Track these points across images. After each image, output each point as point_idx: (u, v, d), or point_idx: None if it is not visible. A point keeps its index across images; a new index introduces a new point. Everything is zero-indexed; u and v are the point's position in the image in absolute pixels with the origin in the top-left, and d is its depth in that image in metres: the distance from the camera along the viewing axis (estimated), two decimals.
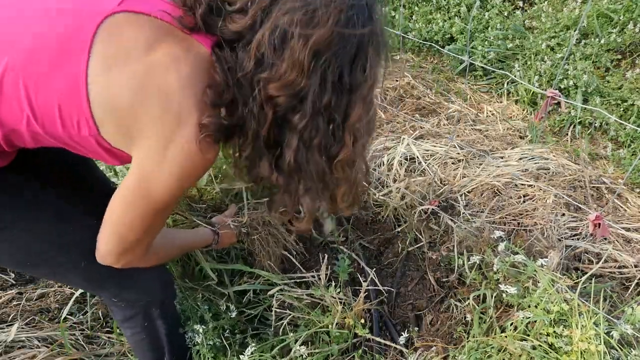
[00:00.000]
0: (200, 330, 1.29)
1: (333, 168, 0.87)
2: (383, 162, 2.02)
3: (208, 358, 1.30)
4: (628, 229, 1.67)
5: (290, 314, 1.41)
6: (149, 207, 0.87)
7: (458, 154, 2.05)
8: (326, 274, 1.48)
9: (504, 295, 1.27)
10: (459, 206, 1.80)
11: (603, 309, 1.19)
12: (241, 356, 1.24)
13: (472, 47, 2.82)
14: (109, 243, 0.91)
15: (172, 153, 0.80)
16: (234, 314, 1.39)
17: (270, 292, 1.45)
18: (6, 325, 1.51)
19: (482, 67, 2.58)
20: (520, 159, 2.02)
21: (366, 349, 1.43)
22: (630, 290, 1.48)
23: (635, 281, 1.48)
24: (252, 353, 1.25)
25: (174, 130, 0.78)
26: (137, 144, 0.81)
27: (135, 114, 0.77)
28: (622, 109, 2.36)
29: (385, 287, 1.57)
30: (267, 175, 0.88)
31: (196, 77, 0.79)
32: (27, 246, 0.92)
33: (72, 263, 0.98)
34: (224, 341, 1.35)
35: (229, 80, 0.79)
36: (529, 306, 1.22)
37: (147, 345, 1.24)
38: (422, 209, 1.76)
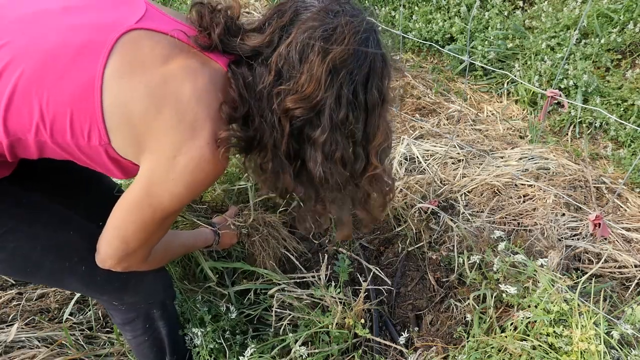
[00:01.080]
0: (199, 333, 1.29)
1: (359, 182, 0.93)
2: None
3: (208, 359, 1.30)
4: (628, 229, 1.67)
5: (290, 314, 1.41)
6: (155, 214, 0.87)
7: (458, 153, 2.05)
8: (326, 274, 1.48)
9: (504, 295, 1.27)
10: (459, 206, 1.80)
11: (603, 309, 1.19)
12: (241, 357, 1.24)
13: (472, 47, 2.82)
14: (110, 247, 0.91)
15: (182, 162, 0.81)
16: (234, 315, 1.39)
17: (270, 292, 1.45)
18: (6, 325, 1.51)
19: (482, 67, 2.58)
20: (520, 158, 2.02)
21: (366, 349, 1.43)
22: (630, 290, 1.48)
23: (635, 281, 1.48)
24: (251, 354, 1.25)
25: (187, 140, 0.80)
26: (148, 152, 0.82)
27: (148, 121, 0.79)
28: (622, 109, 2.36)
29: (385, 287, 1.57)
30: (291, 188, 0.92)
31: (211, 90, 0.81)
32: (27, 252, 0.92)
33: (71, 268, 0.98)
34: (224, 342, 1.35)
35: (244, 95, 0.83)
36: (529, 306, 1.22)
37: (149, 347, 1.23)
38: (422, 209, 1.76)
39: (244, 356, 1.24)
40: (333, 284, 1.42)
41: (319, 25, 0.79)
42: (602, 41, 2.58)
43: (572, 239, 1.62)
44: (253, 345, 1.28)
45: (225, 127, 0.83)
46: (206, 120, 0.80)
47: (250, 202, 1.54)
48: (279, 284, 1.47)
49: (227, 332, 1.38)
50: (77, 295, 1.57)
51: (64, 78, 0.76)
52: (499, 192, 1.86)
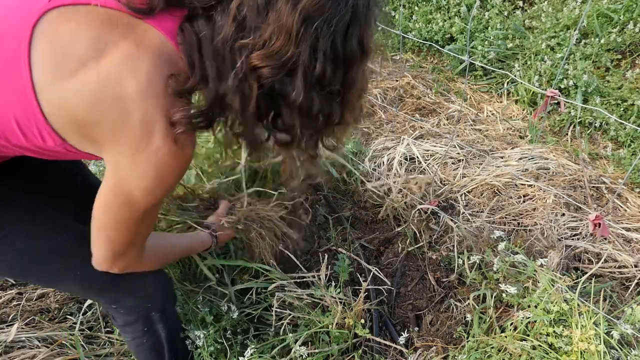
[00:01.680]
0: (201, 335, 1.29)
1: (330, 130, 0.84)
2: (383, 162, 2.02)
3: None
4: (628, 229, 1.67)
5: (290, 314, 1.41)
6: (131, 212, 0.82)
7: (458, 154, 2.05)
8: (326, 274, 1.48)
9: (503, 295, 1.27)
10: (459, 206, 1.80)
11: (603, 309, 1.19)
12: (241, 358, 1.24)
13: (472, 47, 2.82)
14: (99, 250, 0.88)
15: (143, 159, 0.74)
16: (235, 315, 1.38)
17: (269, 288, 1.45)
18: (6, 325, 1.51)
19: (482, 67, 2.58)
20: (520, 158, 2.02)
21: (366, 349, 1.43)
22: (630, 290, 1.48)
23: (635, 281, 1.48)
24: (252, 354, 1.25)
25: (142, 140, 0.72)
26: (106, 149, 0.75)
27: (95, 126, 0.72)
28: (622, 109, 2.36)
29: (385, 287, 1.57)
30: (266, 139, 0.83)
31: (155, 76, 0.70)
32: (25, 254, 0.91)
33: (68, 270, 0.97)
34: (225, 342, 1.35)
35: (194, 61, 0.71)
36: (529, 306, 1.22)
37: (148, 350, 1.23)
38: (422, 209, 1.76)
39: (244, 356, 1.24)
40: (333, 284, 1.42)
41: None
42: (602, 41, 2.58)
43: (572, 239, 1.62)
44: (253, 345, 1.28)
45: (178, 105, 0.72)
46: (156, 112, 0.70)
47: (244, 192, 1.50)
48: (279, 281, 1.47)
49: (229, 332, 1.38)
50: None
51: None
52: (499, 192, 1.86)
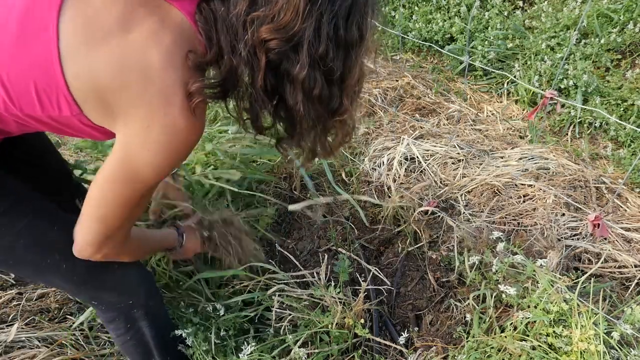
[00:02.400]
0: (184, 334, 1.28)
1: (331, 119, 0.88)
2: (383, 162, 2.02)
3: (206, 359, 1.29)
4: (628, 229, 1.67)
5: (290, 314, 1.41)
6: (135, 188, 0.84)
7: (458, 154, 2.05)
8: (326, 274, 1.48)
9: (503, 295, 1.27)
10: (458, 206, 1.80)
11: (603, 309, 1.19)
12: (240, 355, 1.24)
13: (472, 47, 2.82)
14: (90, 232, 0.88)
15: (157, 131, 0.77)
16: (221, 312, 1.37)
17: (269, 293, 1.45)
18: (6, 325, 1.51)
19: (482, 67, 2.58)
20: (520, 159, 2.02)
21: (366, 349, 1.43)
22: (630, 290, 1.48)
23: (635, 281, 1.48)
24: (251, 353, 1.25)
25: (159, 110, 0.76)
26: (121, 122, 0.78)
27: (117, 94, 0.75)
28: (622, 109, 2.36)
29: (385, 287, 1.57)
30: (270, 124, 0.88)
31: (176, 50, 0.75)
32: (9, 245, 0.91)
33: (53, 264, 0.97)
34: (221, 342, 1.35)
35: (212, 36, 0.76)
36: (529, 306, 1.22)
37: (133, 347, 1.22)
38: (421, 209, 1.76)
39: (242, 355, 1.24)
40: (333, 284, 1.42)
41: None
42: (602, 41, 2.58)
43: (572, 239, 1.62)
44: (254, 344, 1.28)
45: (195, 77, 0.77)
46: (175, 84, 0.75)
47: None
48: (277, 286, 1.47)
49: (222, 331, 1.38)
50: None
51: (18, 47, 0.73)
52: (499, 192, 1.86)
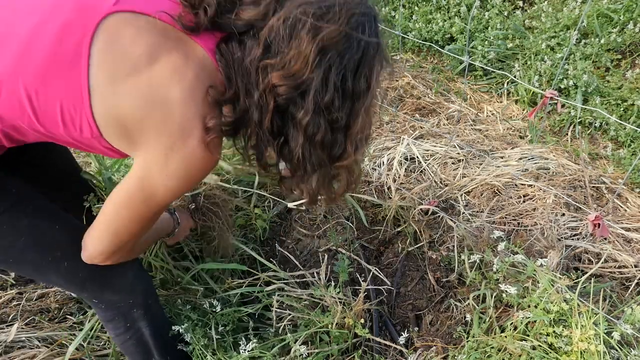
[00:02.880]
0: (182, 330, 1.29)
1: (333, 166, 0.91)
2: (383, 162, 2.02)
3: (206, 355, 1.30)
4: (628, 229, 1.67)
5: (290, 314, 1.41)
6: (149, 208, 0.89)
7: (458, 154, 2.05)
8: (326, 274, 1.48)
9: (503, 295, 1.27)
10: (459, 206, 1.80)
11: (603, 309, 1.19)
12: (240, 350, 1.25)
13: (472, 47, 2.82)
14: (102, 243, 0.92)
15: (176, 159, 0.81)
16: (218, 308, 1.38)
17: (267, 289, 1.45)
18: (6, 326, 1.51)
19: (482, 67, 2.58)
20: (520, 159, 2.02)
21: (366, 349, 1.43)
22: (630, 290, 1.48)
23: (635, 281, 1.48)
24: (252, 349, 1.25)
25: (178, 141, 0.80)
26: (142, 149, 0.82)
27: (139, 124, 0.79)
28: (622, 109, 2.36)
29: (385, 287, 1.57)
30: (274, 163, 0.93)
31: (198, 85, 0.79)
32: (10, 243, 0.92)
33: (53, 263, 0.98)
34: (221, 337, 1.35)
35: (231, 76, 0.80)
36: (529, 306, 1.22)
37: (133, 346, 1.23)
38: (422, 209, 1.76)
39: (244, 350, 1.24)
40: (333, 283, 1.42)
41: (315, 2, 0.76)
42: (602, 41, 2.58)
43: (572, 239, 1.62)
44: (255, 340, 1.28)
45: (213, 113, 0.81)
46: (194, 118, 0.79)
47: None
48: (276, 285, 1.47)
49: (220, 327, 1.38)
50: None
51: (49, 70, 0.76)
52: (499, 192, 1.86)
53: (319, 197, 1.00)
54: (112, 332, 1.21)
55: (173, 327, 1.30)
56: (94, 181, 1.30)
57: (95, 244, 0.92)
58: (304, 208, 1.83)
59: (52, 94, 0.77)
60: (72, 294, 1.62)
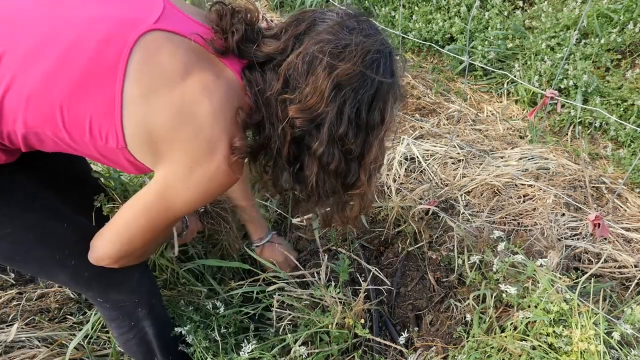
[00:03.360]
0: (184, 332, 1.29)
1: (346, 193, 0.96)
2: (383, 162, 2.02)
3: (207, 357, 1.30)
4: (628, 229, 1.67)
5: (290, 314, 1.41)
6: (166, 219, 0.91)
7: (458, 154, 2.05)
8: (326, 274, 1.48)
9: (503, 295, 1.27)
10: (458, 206, 1.80)
11: (603, 309, 1.19)
12: (240, 352, 1.25)
13: (472, 47, 2.82)
14: (112, 247, 0.93)
15: (199, 174, 0.83)
16: (221, 309, 1.38)
17: (268, 290, 1.45)
18: (6, 326, 1.51)
19: (482, 67, 2.58)
20: (520, 158, 2.02)
21: (366, 349, 1.43)
22: (630, 290, 1.48)
23: (635, 281, 1.48)
24: (252, 350, 1.25)
25: (205, 155, 0.82)
26: (165, 162, 0.84)
27: (167, 137, 0.81)
28: (622, 109, 2.36)
29: (385, 287, 1.57)
30: (289, 188, 0.96)
31: (227, 104, 0.83)
32: (19, 239, 0.93)
33: (61, 261, 0.99)
34: (221, 339, 1.35)
35: (258, 101, 0.85)
36: (529, 306, 1.22)
37: (136, 346, 1.24)
38: (422, 209, 1.76)
39: (243, 352, 1.24)
40: (333, 283, 1.42)
41: (332, 40, 0.80)
42: (602, 41, 2.58)
43: (572, 239, 1.62)
44: (255, 342, 1.28)
45: (240, 134, 0.84)
46: (222, 134, 0.82)
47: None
48: (276, 285, 1.47)
49: (222, 329, 1.38)
50: (75, 294, 1.57)
51: (84, 83, 0.77)
52: (499, 192, 1.86)
53: (333, 221, 1.04)
54: (115, 331, 1.21)
55: (176, 329, 1.30)
56: (103, 180, 1.30)
57: (106, 247, 0.94)
58: (304, 223, 1.84)
59: (85, 104, 0.78)
60: (72, 294, 1.62)
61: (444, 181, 1.94)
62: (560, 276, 1.28)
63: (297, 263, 1.50)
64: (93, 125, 0.80)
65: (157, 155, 0.83)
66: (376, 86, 0.84)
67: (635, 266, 1.52)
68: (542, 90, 2.47)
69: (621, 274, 1.53)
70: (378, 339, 1.40)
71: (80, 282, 1.06)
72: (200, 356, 1.30)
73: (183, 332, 1.29)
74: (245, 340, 1.30)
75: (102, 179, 1.29)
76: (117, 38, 0.78)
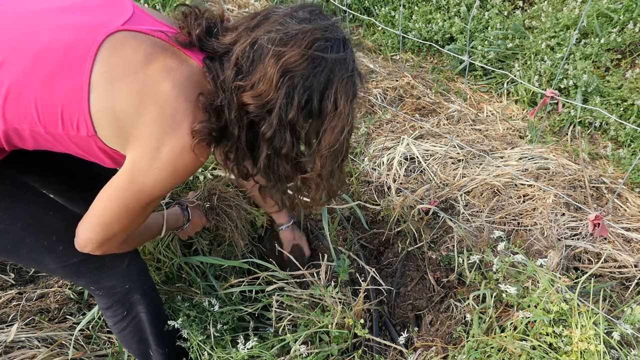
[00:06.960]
0: (178, 326, 1.30)
1: (302, 178, 1.00)
2: (383, 162, 2.02)
3: (205, 351, 1.30)
4: (628, 229, 1.67)
5: (290, 314, 1.41)
6: (139, 199, 0.93)
7: (458, 154, 2.05)
8: (326, 274, 1.48)
9: (503, 295, 1.27)
10: (458, 206, 1.80)
11: (603, 309, 1.19)
12: (239, 348, 1.25)
13: (472, 47, 2.82)
14: (92, 232, 0.96)
15: (165, 152, 0.87)
16: (216, 307, 1.39)
17: (268, 289, 1.45)
18: (6, 326, 1.51)
19: (482, 67, 2.58)
20: (520, 158, 2.01)
21: (366, 349, 1.43)
22: (630, 290, 1.47)
23: (635, 281, 1.48)
24: (251, 347, 1.26)
25: (169, 132, 0.86)
26: (133, 144, 0.87)
27: (133, 118, 0.85)
28: (622, 109, 2.36)
29: (385, 287, 1.57)
30: (252, 173, 1.00)
31: (188, 85, 0.87)
32: (7, 228, 0.96)
33: (49, 247, 1.01)
34: (219, 335, 1.35)
35: (217, 87, 0.88)
36: (529, 306, 1.22)
37: (130, 334, 1.25)
38: (421, 209, 1.76)
39: (244, 347, 1.25)
40: (333, 284, 1.42)
41: (280, 29, 0.85)
42: (602, 41, 2.58)
43: (572, 239, 1.62)
44: (255, 339, 1.28)
45: (201, 118, 0.88)
46: (185, 112, 0.86)
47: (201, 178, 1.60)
48: (276, 285, 1.47)
49: (219, 325, 1.39)
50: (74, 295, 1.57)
51: (55, 77, 0.83)
52: (499, 192, 1.86)
53: (295, 204, 1.08)
54: (110, 320, 1.23)
55: (170, 322, 1.31)
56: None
57: (86, 231, 0.96)
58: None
59: (56, 95, 0.83)
60: (72, 294, 1.62)
61: (444, 181, 1.94)
62: (560, 276, 1.28)
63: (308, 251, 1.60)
64: (64, 114, 0.84)
65: (125, 138, 0.87)
66: (326, 74, 0.87)
67: (635, 266, 1.52)
68: (542, 90, 2.47)
69: (621, 274, 1.53)
70: (378, 339, 1.40)
71: (69, 269, 1.08)
72: (197, 350, 1.30)
73: (176, 325, 1.30)
74: (242, 337, 1.31)
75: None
76: (87, 38, 0.85)
